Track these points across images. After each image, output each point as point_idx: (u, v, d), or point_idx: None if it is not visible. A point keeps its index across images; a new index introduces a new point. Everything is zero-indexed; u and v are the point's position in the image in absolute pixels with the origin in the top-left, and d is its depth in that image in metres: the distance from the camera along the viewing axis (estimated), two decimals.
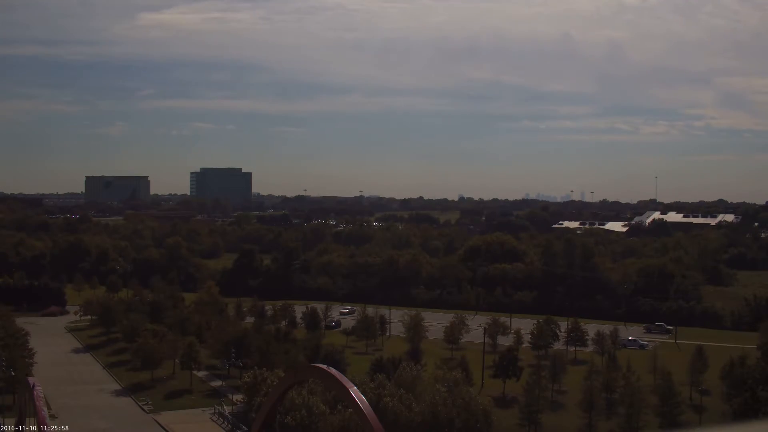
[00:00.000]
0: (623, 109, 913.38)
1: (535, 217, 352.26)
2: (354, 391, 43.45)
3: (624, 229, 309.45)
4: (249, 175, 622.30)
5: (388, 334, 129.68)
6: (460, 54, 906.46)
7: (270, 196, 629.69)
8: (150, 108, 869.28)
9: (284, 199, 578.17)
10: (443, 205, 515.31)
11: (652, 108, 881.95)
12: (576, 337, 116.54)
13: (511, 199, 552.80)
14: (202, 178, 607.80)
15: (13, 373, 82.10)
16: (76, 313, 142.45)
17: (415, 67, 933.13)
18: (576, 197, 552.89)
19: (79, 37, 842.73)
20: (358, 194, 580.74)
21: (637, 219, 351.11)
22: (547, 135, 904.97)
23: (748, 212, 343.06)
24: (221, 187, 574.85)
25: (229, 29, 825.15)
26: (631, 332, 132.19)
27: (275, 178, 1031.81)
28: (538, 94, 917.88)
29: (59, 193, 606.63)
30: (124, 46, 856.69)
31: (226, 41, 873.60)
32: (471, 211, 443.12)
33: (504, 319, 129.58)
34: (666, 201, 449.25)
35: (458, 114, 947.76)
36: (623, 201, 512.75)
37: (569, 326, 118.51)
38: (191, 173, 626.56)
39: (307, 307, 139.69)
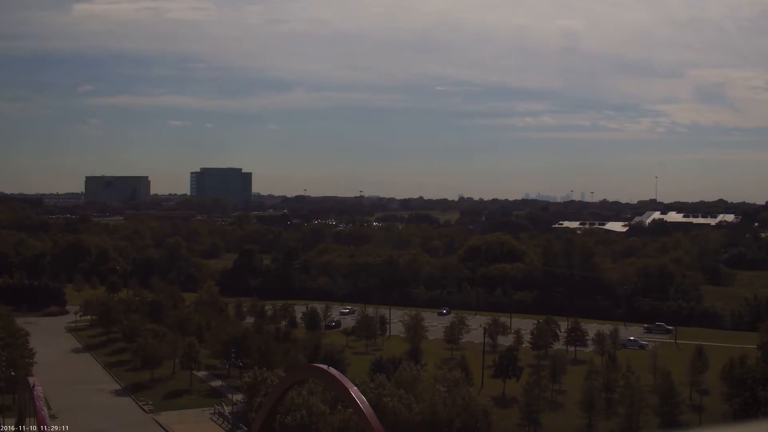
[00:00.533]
0: (599, 105, 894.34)
1: (535, 217, 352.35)
2: (354, 391, 43.41)
3: (624, 229, 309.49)
4: (249, 175, 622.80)
5: (388, 334, 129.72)
6: (417, 48, 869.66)
7: (270, 196, 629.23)
8: (93, 106, 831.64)
9: (284, 199, 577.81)
10: (443, 205, 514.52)
11: (630, 104, 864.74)
12: (576, 337, 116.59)
13: (511, 199, 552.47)
14: (202, 178, 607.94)
15: (13, 373, 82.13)
16: (76, 313, 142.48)
17: (368, 62, 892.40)
18: (576, 197, 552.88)
19: (8, 31, 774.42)
20: (358, 194, 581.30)
21: (637, 219, 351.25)
22: (526, 133, 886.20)
23: (748, 212, 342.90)
24: (221, 187, 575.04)
25: (165, 20, 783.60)
26: (631, 332, 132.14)
27: (275, 178, 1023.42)
28: (504, 90, 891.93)
29: (59, 193, 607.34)
30: (59, 39, 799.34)
31: (162, 33, 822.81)
32: (471, 211, 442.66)
33: (504, 319, 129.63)
34: (666, 201, 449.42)
35: (421, 111, 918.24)
36: (623, 201, 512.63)
37: (569, 326, 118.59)
38: (191, 173, 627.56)
39: (307, 307, 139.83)
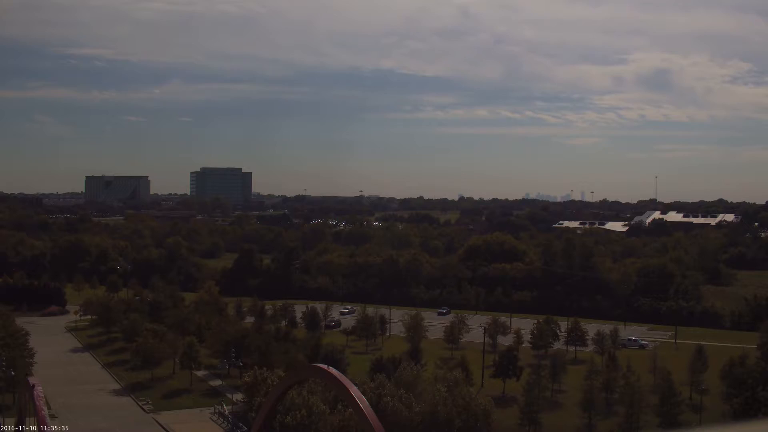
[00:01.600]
0: (545, 96, 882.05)
1: (535, 217, 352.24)
2: (354, 391, 43.44)
3: (624, 229, 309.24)
4: (249, 175, 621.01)
5: (388, 333, 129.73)
6: (306, 32, 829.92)
7: (270, 196, 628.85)
8: None
9: (284, 199, 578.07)
10: (443, 205, 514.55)
11: (575, 95, 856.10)
12: (576, 337, 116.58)
13: (511, 199, 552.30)
14: (202, 177, 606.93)
15: (13, 373, 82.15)
16: (75, 312, 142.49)
17: (254, 49, 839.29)
18: (576, 197, 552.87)
19: None
20: (358, 194, 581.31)
21: (637, 219, 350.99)
22: (483, 127, 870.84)
23: (748, 212, 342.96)
24: (221, 187, 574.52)
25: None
26: (631, 332, 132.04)
27: (275, 178, 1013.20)
28: (415, 79, 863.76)
29: (59, 192, 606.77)
30: None
31: (19, 17, 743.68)
32: (471, 211, 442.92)
33: (504, 319, 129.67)
34: (666, 201, 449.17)
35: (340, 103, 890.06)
36: (623, 201, 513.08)
37: (569, 326, 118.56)
38: (191, 173, 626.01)
39: (307, 307, 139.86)
